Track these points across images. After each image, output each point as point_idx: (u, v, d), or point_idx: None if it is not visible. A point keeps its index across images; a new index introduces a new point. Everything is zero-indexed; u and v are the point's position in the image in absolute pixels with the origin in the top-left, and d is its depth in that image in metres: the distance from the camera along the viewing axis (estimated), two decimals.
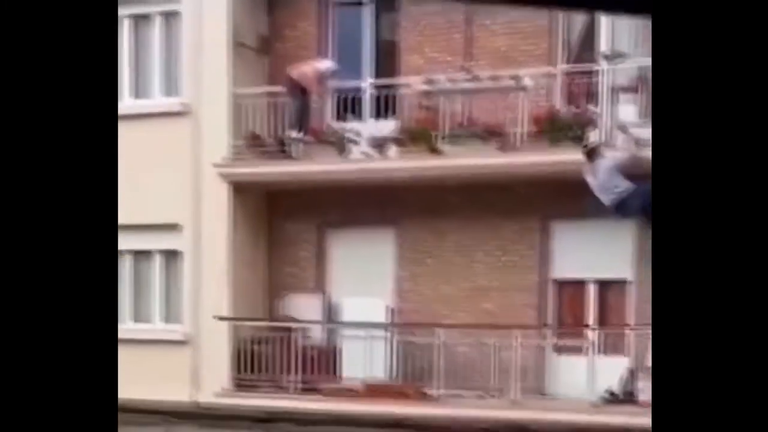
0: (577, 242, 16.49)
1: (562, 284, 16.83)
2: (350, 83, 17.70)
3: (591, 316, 16.52)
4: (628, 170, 14.90)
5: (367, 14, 18.01)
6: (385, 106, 17.38)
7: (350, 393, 16.73)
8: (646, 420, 15.65)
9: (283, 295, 18.01)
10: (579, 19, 16.48)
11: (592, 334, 16.18)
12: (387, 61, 17.77)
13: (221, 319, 17.48)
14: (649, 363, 15.30)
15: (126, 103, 17.48)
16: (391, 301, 17.51)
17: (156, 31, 18.50)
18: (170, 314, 18.42)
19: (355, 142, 17.14)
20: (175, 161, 17.73)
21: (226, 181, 17.62)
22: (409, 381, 16.77)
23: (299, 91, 17.30)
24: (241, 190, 17.80)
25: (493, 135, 16.21)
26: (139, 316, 18.50)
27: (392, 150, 16.90)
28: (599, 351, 15.95)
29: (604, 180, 14.97)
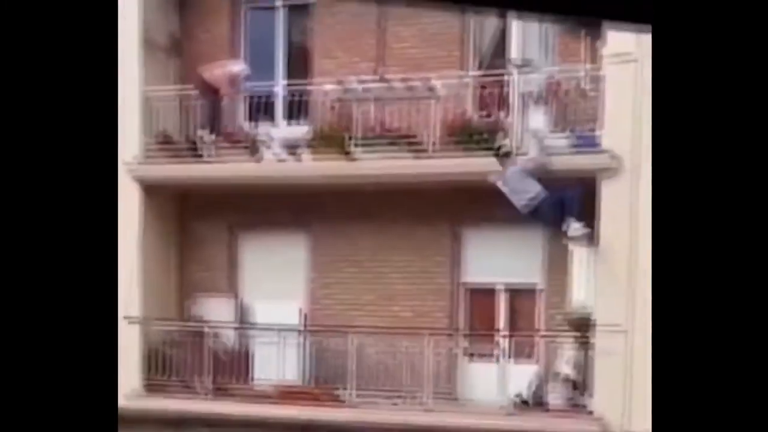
0: (487, 248, 16.64)
1: (473, 290, 16.97)
2: (263, 86, 17.63)
3: (501, 321, 16.69)
4: (538, 175, 15.17)
5: (280, 18, 17.91)
6: (297, 110, 17.38)
7: (262, 396, 16.76)
8: (555, 425, 15.94)
9: (195, 297, 17.91)
10: (491, 26, 16.59)
11: (502, 340, 16.39)
12: (299, 64, 17.72)
13: (131, 320, 17.32)
14: (558, 369, 15.58)
15: None
16: (303, 305, 17.50)
17: None
18: None
19: (268, 145, 17.09)
20: None
21: (137, 181, 17.42)
22: (321, 385, 16.83)
23: (211, 92, 17.21)
24: (151, 190, 17.58)
25: (405, 140, 16.29)
26: None
27: (305, 153, 16.88)
28: (509, 356, 16.16)
29: (516, 185, 15.22)
